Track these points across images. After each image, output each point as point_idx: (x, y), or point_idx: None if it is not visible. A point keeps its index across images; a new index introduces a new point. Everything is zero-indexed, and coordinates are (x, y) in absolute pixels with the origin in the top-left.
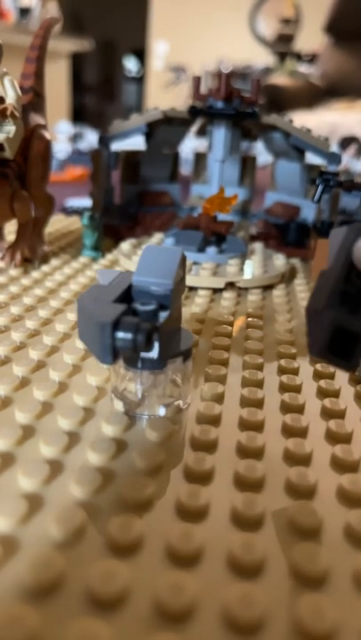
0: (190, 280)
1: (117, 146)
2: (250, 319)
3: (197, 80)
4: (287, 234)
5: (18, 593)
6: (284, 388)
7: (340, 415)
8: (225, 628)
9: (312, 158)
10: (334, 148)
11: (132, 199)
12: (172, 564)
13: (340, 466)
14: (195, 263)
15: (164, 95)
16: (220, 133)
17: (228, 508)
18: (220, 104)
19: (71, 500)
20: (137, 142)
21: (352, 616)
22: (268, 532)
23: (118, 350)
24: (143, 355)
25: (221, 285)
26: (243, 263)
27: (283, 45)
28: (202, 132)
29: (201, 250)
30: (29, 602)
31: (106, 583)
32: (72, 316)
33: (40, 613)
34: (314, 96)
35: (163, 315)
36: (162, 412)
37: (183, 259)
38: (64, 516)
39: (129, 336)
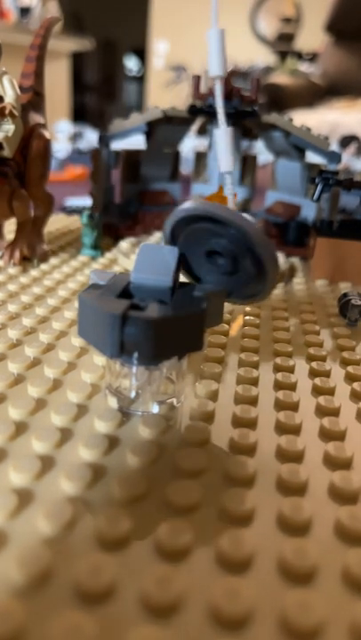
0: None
1: (117, 145)
2: (247, 317)
3: (197, 79)
4: (287, 233)
5: (5, 587)
6: (278, 386)
7: (335, 413)
8: (211, 622)
9: (312, 157)
10: (334, 146)
11: (132, 198)
12: (159, 558)
13: (332, 463)
14: None
15: (165, 94)
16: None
17: (218, 504)
18: None
19: (61, 496)
20: (137, 141)
21: (339, 612)
22: (258, 528)
23: (125, 343)
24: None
25: None
26: None
27: (283, 44)
28: (202, 131)
29: None
30: (16, 596)
31: (93, 577)
32: (69, 313)
33: (27, 607)
34: (315, 95)
35: (158, 309)
36: (155, 409)
37: (179, 257)
38: (53, 510)
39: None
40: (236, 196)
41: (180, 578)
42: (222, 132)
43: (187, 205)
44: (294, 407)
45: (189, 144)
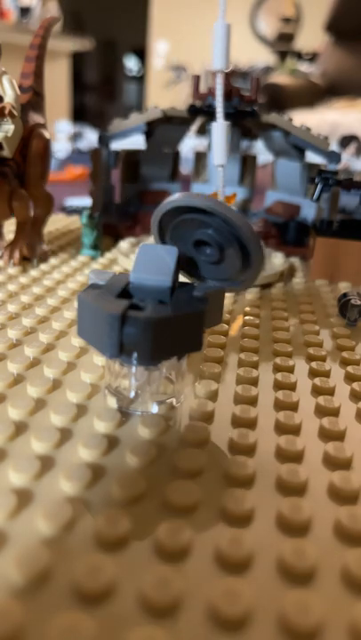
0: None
1: (117, 145)
2: (247, 317)
3: (197, 79)
4: (287, 233)
5: (4, 587)
6: (278, 386)
7: (334, 413)
8: (210, 622)
9: (312, 157)
10: (334, 146)
11: (132, 198)
12: (159, 559)
13: (331, 463)
14: None
15: (165, 94)
16: None
17: (217, 504)
18: None
19: (60, 496)
20: (137, 141)
21: (338, 612)
22: (257, 528)
23: (125, 343)
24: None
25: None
26: None
27: (283, 44)
28: (202, 131)
29: None
30: (15, 596)
31: (92, 577)
32: (69, 313)
33: (26, 607)
34: (315, 95)
35: (157, 309)
36: (155, 409)
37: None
38: (52, 511)
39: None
40: (235, 196)
41: (179, 578)
42: (220, 126)
43: (175, 197)
44: (294, 407)
45: (189, 144)
